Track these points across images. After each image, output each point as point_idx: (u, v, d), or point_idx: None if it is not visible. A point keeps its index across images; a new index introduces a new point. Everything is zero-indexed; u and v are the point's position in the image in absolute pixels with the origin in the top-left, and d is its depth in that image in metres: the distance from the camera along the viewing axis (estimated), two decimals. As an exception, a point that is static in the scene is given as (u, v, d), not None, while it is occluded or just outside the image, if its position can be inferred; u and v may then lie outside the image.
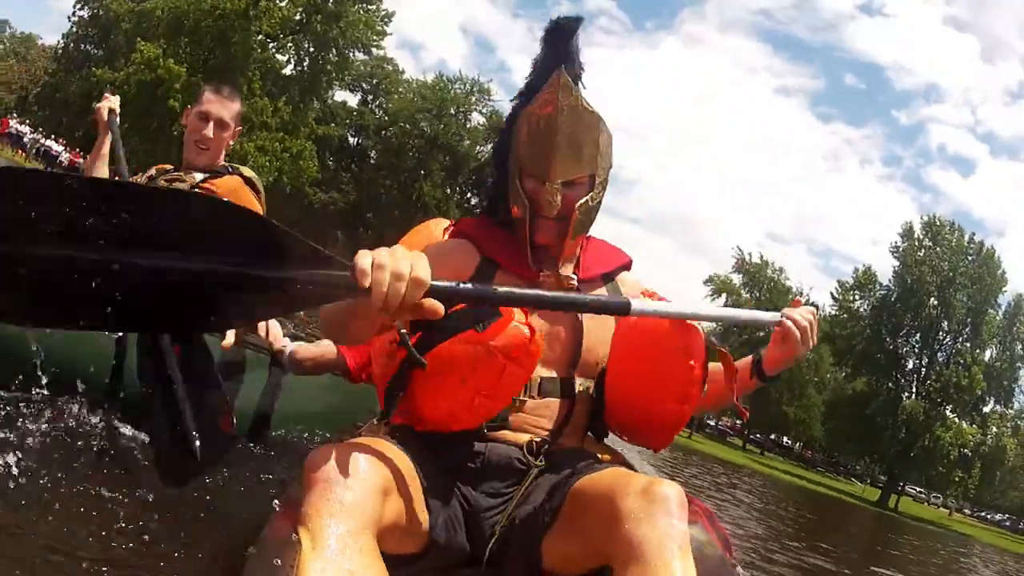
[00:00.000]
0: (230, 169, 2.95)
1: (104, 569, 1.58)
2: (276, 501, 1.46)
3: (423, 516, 1.45)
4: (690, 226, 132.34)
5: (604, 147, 1.72)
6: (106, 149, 2.92)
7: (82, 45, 35.33)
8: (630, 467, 1.64)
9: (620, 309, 1.44)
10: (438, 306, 1.21)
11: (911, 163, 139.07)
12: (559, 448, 1.64)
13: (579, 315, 1.70)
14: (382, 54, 42.11)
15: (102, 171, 2.96)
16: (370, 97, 45.51)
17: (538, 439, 1.63)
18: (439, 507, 1.50)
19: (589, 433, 1.76)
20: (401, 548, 1.40)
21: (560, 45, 1.72)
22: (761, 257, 51.70)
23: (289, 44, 35.15)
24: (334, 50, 35.27)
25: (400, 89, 44.90)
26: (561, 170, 1.67)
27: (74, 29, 35.67)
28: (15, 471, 1.89)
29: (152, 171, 3.01)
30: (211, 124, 2.86)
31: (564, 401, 1.68)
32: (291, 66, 35.93)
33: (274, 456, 2.89)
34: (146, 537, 1.80)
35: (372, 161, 45.86)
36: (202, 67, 30.43)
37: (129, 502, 1.97)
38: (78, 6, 34.76)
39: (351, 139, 46.57)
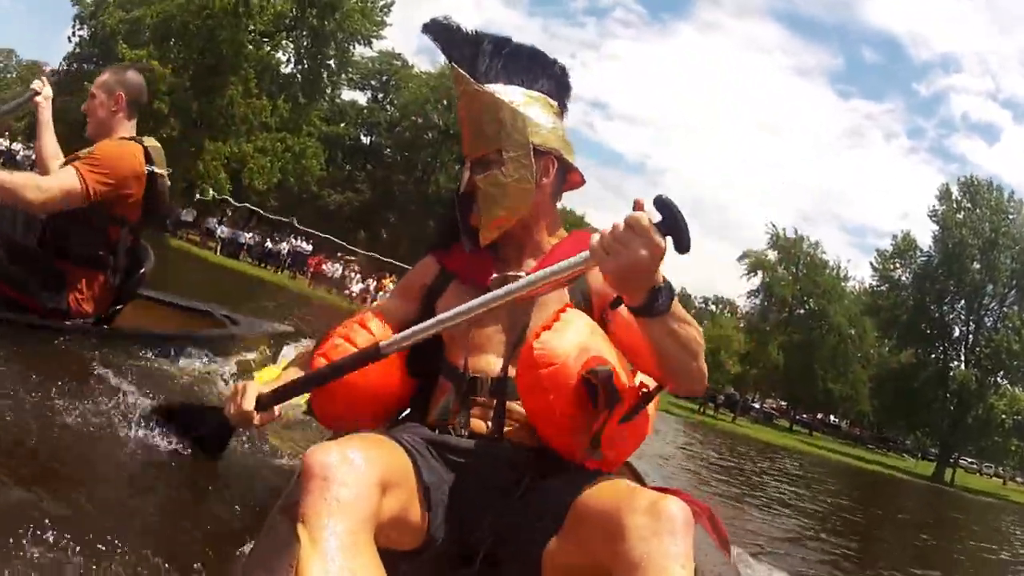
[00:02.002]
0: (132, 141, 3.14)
1: (94, 567, 1.53)
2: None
3: (421, 512, 1.49)
4: (715, 211, 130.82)
5: (509, 124, 1.78)
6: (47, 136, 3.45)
7: (84, 65, 34.90)
8: (635, 472, 1.68)
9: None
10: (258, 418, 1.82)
11: (935, 134, 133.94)
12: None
13: (524, 310, 1.74)
14: (389, 48, 41.62)
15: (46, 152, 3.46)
16: (380, 95, 45.03)
17: (536, 442, 1.62)
18: (437, 503, 1.52)
19: None
20: (399, 543, 1.44)
21: (443, 42, 1.85)
22: (796, 231, 49.50)
23: (286, 41, 34.54)
24: (333, 44, 34.66)
25: (410, 84, 44.32)
26: (470, 148, 1.84)
27: (76, 50, 35.82)
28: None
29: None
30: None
31: (499, 399, 1.70)
32: (291, 64, 35.38)
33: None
34: (142, 535, 1.73)
35: (386, 159, 45.59)
36: (191, 68, 30.11)
37: (121, 499, 1.94)
38: (76, 25, 34.85)
39: (364, 138, 46.48)
